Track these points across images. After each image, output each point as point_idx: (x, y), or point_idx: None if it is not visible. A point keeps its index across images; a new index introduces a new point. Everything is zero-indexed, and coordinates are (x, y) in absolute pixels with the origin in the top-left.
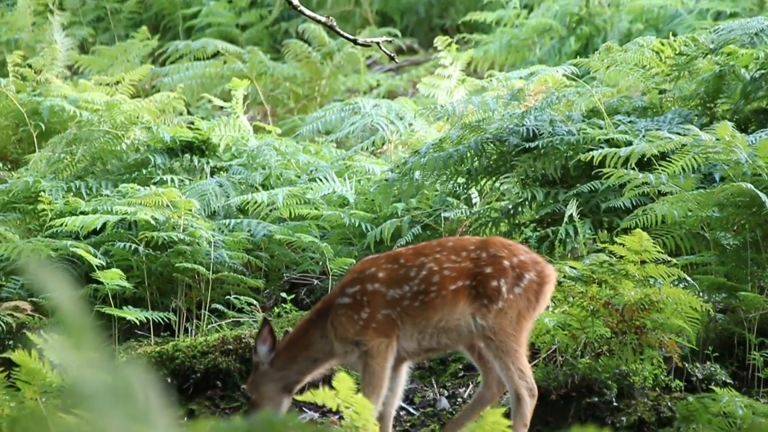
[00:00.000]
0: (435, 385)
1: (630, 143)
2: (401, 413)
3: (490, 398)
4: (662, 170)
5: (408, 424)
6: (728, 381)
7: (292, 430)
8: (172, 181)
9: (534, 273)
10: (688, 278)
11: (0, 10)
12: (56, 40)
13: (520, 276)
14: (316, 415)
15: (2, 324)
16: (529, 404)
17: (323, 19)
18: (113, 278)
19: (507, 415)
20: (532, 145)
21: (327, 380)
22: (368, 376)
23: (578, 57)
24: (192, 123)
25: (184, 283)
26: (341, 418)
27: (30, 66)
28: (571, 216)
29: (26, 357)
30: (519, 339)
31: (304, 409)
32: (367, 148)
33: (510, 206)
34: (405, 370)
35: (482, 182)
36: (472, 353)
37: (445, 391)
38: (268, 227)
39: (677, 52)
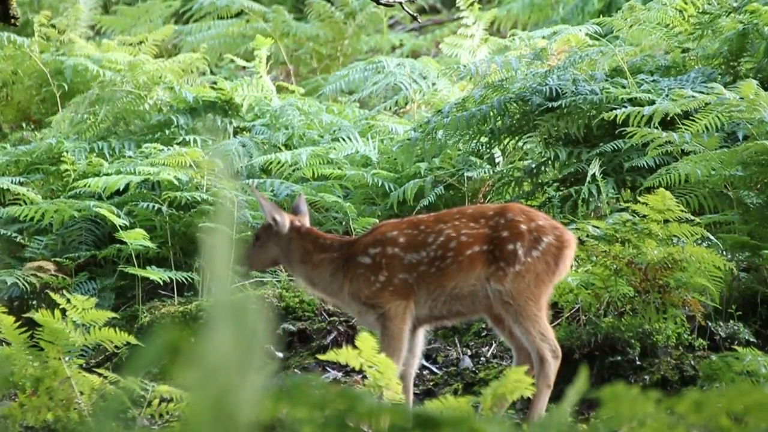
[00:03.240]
0: (458, 345)
1: (653, 102)
2: (424, 372)
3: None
4: (685, 129)
5: (431, 384)
6: (751, 340)
7: (316, 389)
8: (195, 141)
9: (553, 237)
10: (712, 237)
11: None
12: (79, 1)
13: (538, 239)
14: (340, 374)
15: (26, 284)
16: (553, 365)
17: None
18: (136, 238)
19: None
20: (555, 104)
21: (350, 340)
22: (387, 338)
23: (601, 16)
24: (215, 83)
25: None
26: (364, 377)
27: (53, 26)
28: (594, 175)
29: (49, 317)
30: (538, 303)
31: (327, 368)
32: (390, 108)
33: (533, 166)
34: (422, 332)
35: (505, 142)
36: (502, 329)
37: (468, 351)
38: (291, 187)
39: (700, 11)
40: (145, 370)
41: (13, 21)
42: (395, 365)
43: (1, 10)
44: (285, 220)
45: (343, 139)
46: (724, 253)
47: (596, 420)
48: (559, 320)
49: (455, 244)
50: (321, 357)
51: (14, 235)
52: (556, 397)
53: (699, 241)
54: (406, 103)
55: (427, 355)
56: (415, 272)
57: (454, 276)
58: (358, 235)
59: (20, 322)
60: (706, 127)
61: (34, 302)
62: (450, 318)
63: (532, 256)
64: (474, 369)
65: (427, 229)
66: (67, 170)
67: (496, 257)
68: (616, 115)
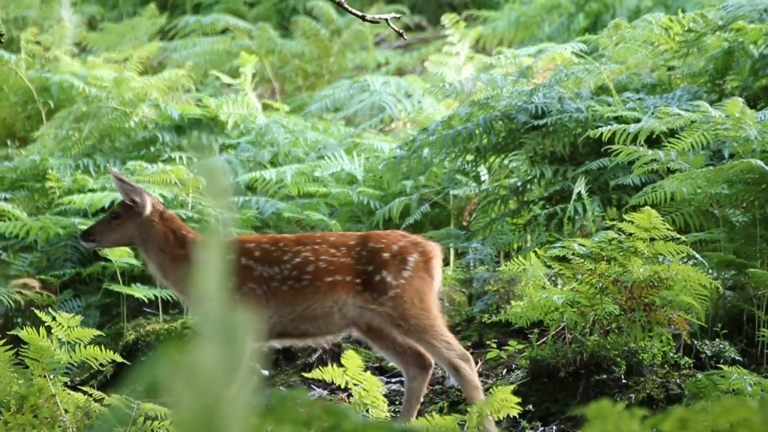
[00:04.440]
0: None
1: (639, 120)
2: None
3: (419, 387)
4: (671, 147)
5: None
6: (737, 358)
7: (301, 406)
8: (181, 158)
9: (417, 253)
10: (698, 255)
11: None
12: (64, 18)
13: (404, 261)
14: (325, 392)
15: (11, 301)
16: (468, 368)
17: None
18: (121, 256)
19: (516, 393)
20: (541, 122)
21: (335, 358)
22: None
23: (587, 34)
24: (200, 100)
25: None
26: (350, 395)
27: (39, 43)
28: (579, 193)
29: (34, 335)
30: (430, 314)
31: (312, 386)
32: (376, 126)
33: (518, 184)
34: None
35: (491, 160)
36: (380, 345)
37: None
38: (276, 205)
39: (686, 29)
40: (131, 388)
41: None
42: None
43: None
44: (146, 201)
45: (329, 157)
46: (710, 271)
47: None
48: (545, 338)
49: (313, 268)
50: (306, 375)
51: None
52: (543, 416)
53: (685, 260)
54: (391, 121)
55: None
56: (266, 286)
57: (309, 298)
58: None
59: (5, 340)
60: (692, 145)
61: (19, 320)
62: (296, 337)
63: (403, 277)
64: (459, 387)
65: (285, 248)
66: (52, 187)
67: (366, 288)
68: (602, 133)
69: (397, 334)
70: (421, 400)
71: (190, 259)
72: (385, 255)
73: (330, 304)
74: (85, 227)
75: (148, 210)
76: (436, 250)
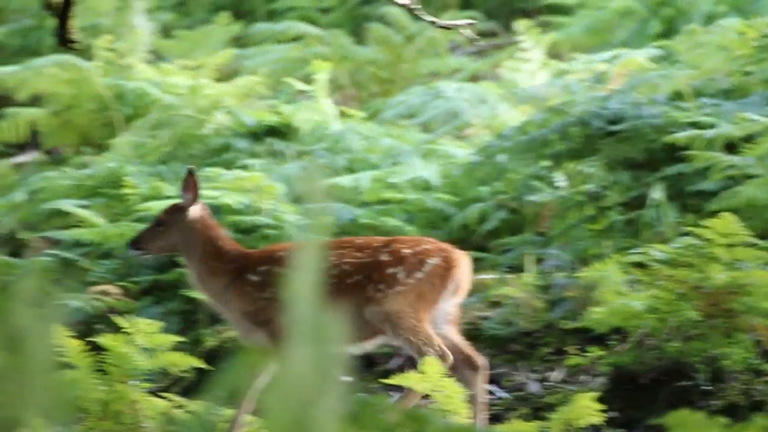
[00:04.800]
0: (524, 369)
1: (715, 126)
2: (490, 397)
3: (476, 390)
4: (749, 153)
5: (497, 408)
6: None
7: (383, 413)
8: (256, 165)
9: (439, 258)
10: None
11: None
12: (138, 25)
13: (422, 262)
14: None
15: (91, 308)
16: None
17: (405, 1)
18: None
19: (601, 400)
20: (616, 128)
21: (414, 364)
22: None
23: (661, 39)
24: (275, 107)
25: None
26: (430, 402)
27: (114, 50)
28: (657, 199)
29: (115, 341)
30: (417, 315)
31: (391, 393)
32: (451, 132)
33: (595, 189)
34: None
35: (567, 165)
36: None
37: (535, 375)
38: (352, 211)
39: (762, 34)
40: (212, 394)
41: (71, 45)
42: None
43: (62, 34)
44: (196, 204)
45: (404, 163)
46: None
47: None
48: (626, 345)
49: (337, 272)
50: (386, 381)
51: (79, 259)
52: (625, 423)
53: (765, 266)
54: (466, 127)
55: (493, 379)
56: None
57: (331, 301)
58: (252, 249)
59: (86, 347)
60: None
61: (100, 326)
62: None
63: (415, 277)
64: (541, 394)
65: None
66: (128, 194)
67: (372, 280)
68: (678, 139)
69: (387, 330)
70: (483, 401)
71: (225, 271)
72: (406, 251)
73: (352, 308)
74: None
75: (193, 212)
76: (460, 260)
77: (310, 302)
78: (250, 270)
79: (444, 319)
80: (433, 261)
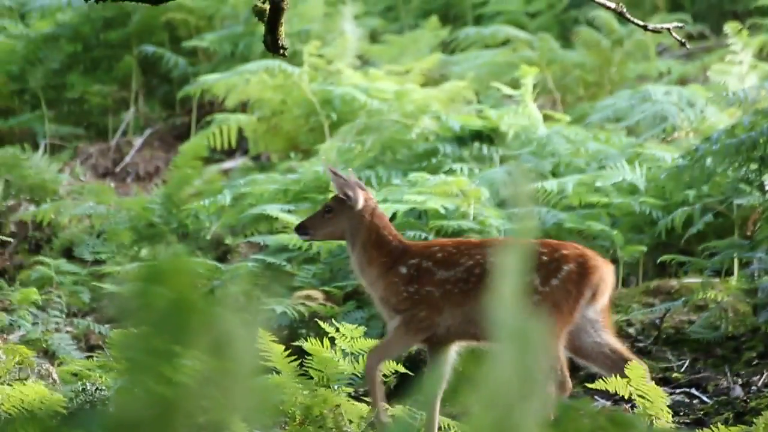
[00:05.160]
0: (728, 374)
1: None
2: (693, 401)
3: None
4: None
5: (701, 413)
6: None
7: (586, 417)
8: (462, 170)
9: (574, 264)
10: None
11: (293, 1)
12: (347, 30)
13: (558, 269)
14: (608, 403)
15: (295, 313)
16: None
17: (613, 5)
18: None
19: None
20: None
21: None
22: (392, 340)
23: None
24: (481, 111)
25: None
26: (633, 406)
27: (322, 56)
28: None
29: (318, 346)
30: (553, 330)
31: (595, 397)
32: (658, 136)
33: None
34: (453, 353)
35: None
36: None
37: (739, 380)
38: (557, 215)
39: None
40: (414, 399)
41: (282, 51)
42: (376, 360)
43: (270, 40)
44: (359, 196)
45: (610, 167)
46: None
47: None
48: None
49: (479, 270)
50: (589, 386)
51: (283, 263)
52: None
53: None
54: (674, 131)
55: (697, 384)
56: (442, 288)
57: (471, 300)
58: (411, 242)
59: (290, 351)
60: None
61: (303, 331)
62: (466, 338)
63: (550, 285)
64: (745, 398)
65: (465, 251)
66: None
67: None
68: None
69: None
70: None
71: (381, 262)
72: (544, 258)
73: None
74: (299, 221)
75: (360, 204)
76: (597, 266)
77: (513, 305)
78: (401, 262)
79: (594, 328)
80: (568, 267)
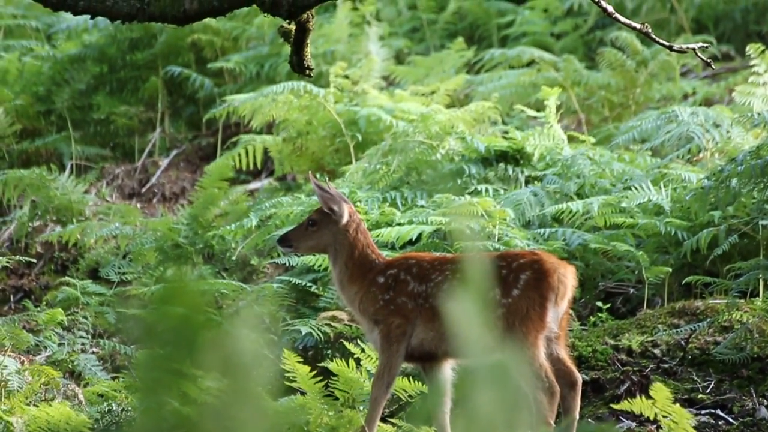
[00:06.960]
0: (754, 395)
1: None
2: (719, 422)
3: (568, 398)
4: None
5: None
6: None
7: None
8: (487, 191)
9: (530, 271)
10: None
11: (318, 22)
12: (372, 51)
13: (516, 279)
14: (634, 424)
15: (320, 333)
16: (545, 402)
17: (638, 26)
18: None
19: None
20: None
21: (643, 389)
22: (383, 356)
23: None
24: (506, 132)
25: None
26: (659, 427)
27: (347, 77)
28: None
29: (344, 366)
30: (527, 339)
31: (621, 418)
32: (683, 156)
33: None
34: (449, 370)
35: None
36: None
37: (765, 401)
38: (583, 236)
39: None
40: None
41: (307, 72)
42: (384, 382)
43: (296, 61)
44: (344, 211)
45: (635, 188)
46: None
47: None
48: None
49: (447, 286)
50: (615, 406)
51: (308, 284)
52: None
53: None
54: (699, 152)
55: (722, 405)
56: (414, 301)
57: (441, 316)
58: (391, 258)
59: (315, 372)
60: None
61: (329, 352)
62: (442, 354)
63: (512, 296)
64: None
65: (438, 266)
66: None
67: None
68: None
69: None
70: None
71: (366, 280)
72: (503, 272)
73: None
74: (282, 232)
75: (344, 219)
76: (552, 268)
77: (477, 322)
78: (380, 273)
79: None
80: (525, 276)
